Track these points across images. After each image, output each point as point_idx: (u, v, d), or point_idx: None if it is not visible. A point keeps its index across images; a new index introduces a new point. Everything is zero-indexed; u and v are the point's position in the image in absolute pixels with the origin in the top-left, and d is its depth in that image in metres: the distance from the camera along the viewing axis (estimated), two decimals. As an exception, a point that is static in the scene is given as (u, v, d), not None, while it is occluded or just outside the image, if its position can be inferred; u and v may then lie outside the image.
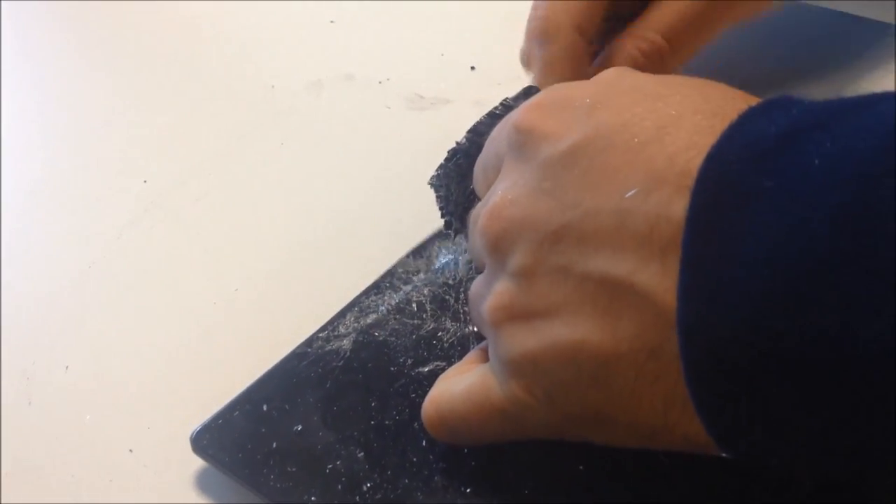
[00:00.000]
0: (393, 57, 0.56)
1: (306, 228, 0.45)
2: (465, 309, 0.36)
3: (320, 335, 0.36)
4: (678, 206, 0.24)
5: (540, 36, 0.41)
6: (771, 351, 0.21)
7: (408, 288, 0.38)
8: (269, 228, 0.45)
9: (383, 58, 0.55)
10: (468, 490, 0.30)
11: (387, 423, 0.33)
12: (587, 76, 0.38)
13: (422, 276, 0.38)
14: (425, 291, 0.37)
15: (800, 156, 0.22)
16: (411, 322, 0.36)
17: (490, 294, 0.29)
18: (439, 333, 0.36)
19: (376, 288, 0.38)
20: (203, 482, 0.34)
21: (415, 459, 0.31)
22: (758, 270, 0.21)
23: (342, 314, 0.37)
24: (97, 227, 0.47)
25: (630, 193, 0.25)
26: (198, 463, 0.34)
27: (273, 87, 0.55)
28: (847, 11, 0.53)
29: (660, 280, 0.24)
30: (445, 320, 0.36)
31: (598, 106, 0.27)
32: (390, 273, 0.39)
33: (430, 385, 0.32)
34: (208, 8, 0.63)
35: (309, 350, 0.36)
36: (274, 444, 0.33)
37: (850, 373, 0.20)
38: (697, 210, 0.23)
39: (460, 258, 0.39)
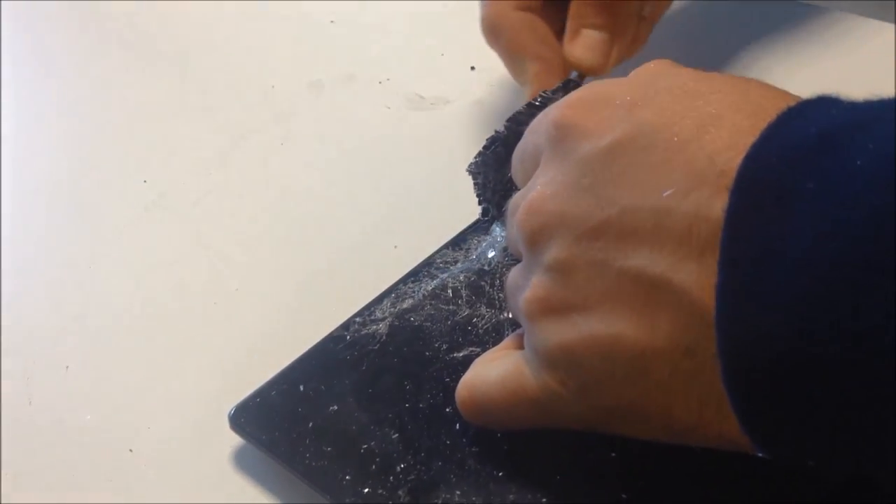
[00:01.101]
0: (393, 57, 0.56)
1: (305, 228, 0.45)
2: (501, 295, 0.37)
3: (357, 319, 0.37)
4: (717, 206, 0.24)
5: (488, 35, 0.44)
6: (810, 352, 0.21)
7: (444, 275, 0.38)
8: (269, 228, 0.45)
9: (383, 58, 0.55)
10: (500, 474, 0.31)
11: (421, 406, 0.33)
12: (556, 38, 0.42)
13: (459, 265, 0.39)
14: (461, 278, 0.38)
15: (840, 157, 0.22)
16: (447, 308, 0.37)
17: (527, 286, 0.29)
18: (474, 319, 0.36)
19: (414, 275, 0.39)
20: (240, 460, 0.35)
21: (448, 442, 0.32)
22: (799, 272, 0.21)
23: (379, 299, 0.38)
24: (97, 226, 0.47)
25: (668, 192, 0.25)
26: (235, 441, 0.34)
27: (273, 87, 0.55)
28: (847, 11, 0.53)
29: (697, 279, 0.24)
30: (481, 306, 0.37)
31: (639, 104, 0.27)
32: (428, 262, 0.39)
33: (465, 370, 0.32)
34: (208, 8, 0.63)
35: (345, 333, 0.36)
36: (310, 424, 0.33)
37: (891, 375, 0.20)
38: (737, 210, 0.23)
39: (497, 246, 0.39)
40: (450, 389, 0.33)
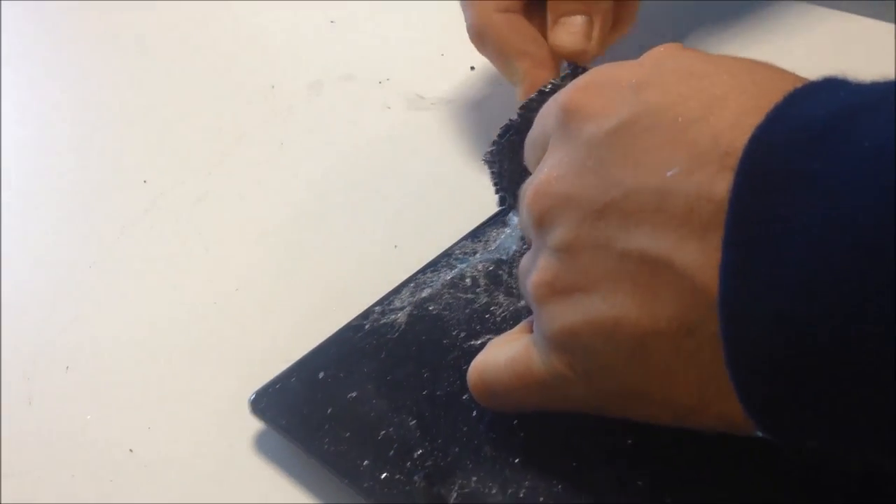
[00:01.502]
0: (393, 57, 0.56)
1: (305, 228, 0.45)
2: (518, 285, 0.37)
3: (376, 308, 0.37)
4: (721, 186, 0.24)
5: (475, 40, 0.45)
6: (813, 334, 0.21)
7: (463, 265, 0.39)
8: (268, 228, 0.45)
9: (383, 58, 0.55)
10: (516, 461, 0.31)
11: (438, 393, 0.34)
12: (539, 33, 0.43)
13: (478, 256, 0.39)
14: (479, 267, 0.38)
15: (848, 138, 0.22)
16: (465, 297, 0.37)
17: (534, 269, 0.29)
18: (492, 308, 0.36)
19: (433, 266, 0.39)
20: (261, 444, 0.35)
21: (465, 429, 0.32)
22: (804, 254, 0.21)
23: (398, 289, 0.38)
24: (97, 227, 0.47)
25: (672, 172, 0.25)
26: (255, 427, 0.35)
27: (273, 87, 0.55)
28: (847, 11, 0.53)
29: (699, 258, 0.24)
30: (498, 295, 0.37)
31: (645, 85, 0.27)
32: (447, 253, 0.40)
33: None
34: (208, 8, 0.63)
35: (364, 322, 0.37)
36: (329, 410, 0.33)
37: (889, 358, 0.20)
38: (742, 190, 0.23)
39: (515, 237, 0.39)
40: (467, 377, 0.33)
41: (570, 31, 0.42)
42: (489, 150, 0.38)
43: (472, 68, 0.53)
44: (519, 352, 0.30)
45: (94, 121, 0.55)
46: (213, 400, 0.37)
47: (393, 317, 0.37)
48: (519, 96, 0.42)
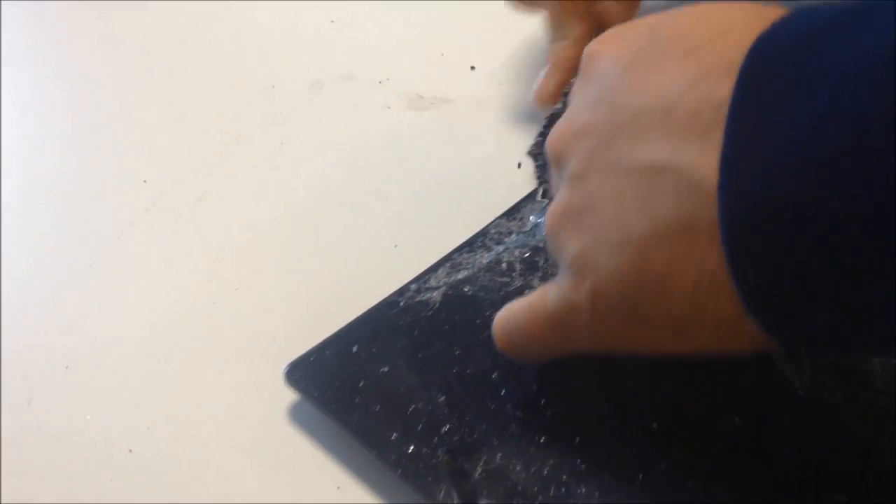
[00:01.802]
0: (393, 57, 0.56)
1: (305, 228, 0.45)
2: (554, 270, 0.37)
3: (412, 286, 0.38)
4: (723, 90, 0.24)
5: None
6: (812, 218, 0.22)
7: (500, 248, 0.39)
8: (268, 228, 0.45)
9: (383, 58, 0.55)
10: (542, 439, 0.32)
11: (468, 371, 0.34)
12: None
13: (514, 237, 0.40)
14: (516, 253, 0.39)
15: (848, 36, 0.22)
16: (500, 280, 0.38)
17: (550, 206, 0.30)
18: (526, 291, 0.37)
19: (469, 246, 0.40)
20: (295, 415, 0.36)
21: (492, 407, 0.33)
22: (804, 140, 0.22)
23: (434, 268, 0.39)
24: (97, 227, 0.47)
25: (678, 86, 0.26)
26: (291, 397, 0.36)
27: (273, 87, 0.55)
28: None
29: (699, 157, 0.25)
30: (534, 279, 0.38)
31: (658, 26, 0.28)
32: (483, 233, 0.40)
33: None
34: (208, 8, 0.63)
35: (399, 300, 0.37)
36: (361, 384, 0.34)
37: (887, 237, 0.21)
38: (743, 87, 0.24)
39: None
40: (497, 356, 0.34)
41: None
42: (534, 142, 0.39)
43: (473, 68, 0.53)
44: (536, 295, 0.31)
45: (94, 121, 0.55)
46: (213, 400, 0.37)
47: (428, 295, 0.37)
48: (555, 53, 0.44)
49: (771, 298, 0.24)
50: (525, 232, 0.40)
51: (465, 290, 0.37)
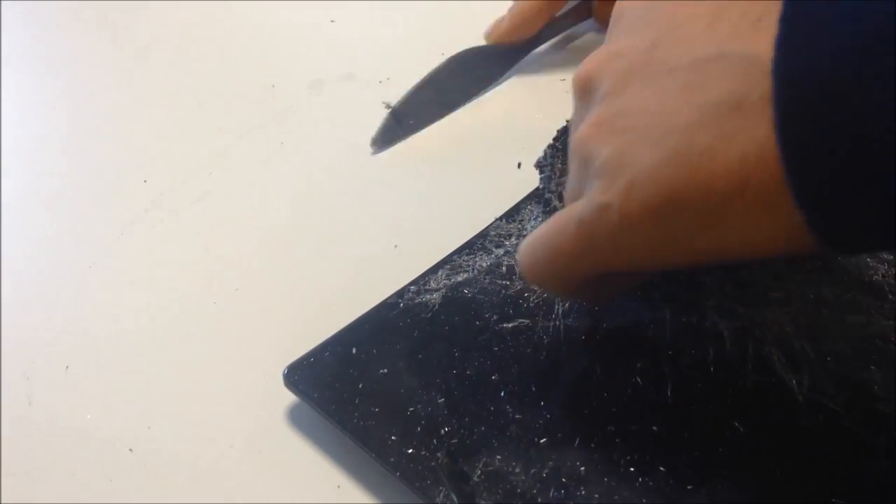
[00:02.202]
0: (393, 57, 0.56)
1: (305, 228, 0.45)
2: None
3: (411, 288, 0.38)
4: None
5: None
6: (867, 98, 0.22)
7: (499, 251, 0.39)
8: (268, 228, 0.45)
9: (383, 58, 0.55)
10: (541, 441, 0.31)
11: (468, 373, 0.34)
12: None
13: (514, 240, 0.39)
14: (517, 257, 0.38)
15: None
16: (500, 283, 0.38)
17: (577, 134, 0.29)
18: (525, 294, 0.37)
19: (469, 247, 0.39)
20: (294, 417, 0.36)
21: (492, 408, 0.33)
22: (859, 17, 0.22)
23: (434, 270, 0.39)
24: (97, 227, 0.47)
25: None
26: (289, 399, 0.36)
27: (273, 86, 0.55)
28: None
29: (752, 42, 0.24)
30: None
31: None
32: (483, 235, 0.40)
33: (513, 340, 0.35)
34: (208, 8, 0.63)
35: (399, 301, 0.37)
36: (360, 385, 0.34)
37: None
38: None
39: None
40: (497, 358, 0.34)
41: None
42: (542, 154, 0.38)
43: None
44: (562, 211, 0.30)
45: (94, 121, 0.55)
46: (213, 400, 0.37)
47: (428, 297, 0.37)
48: None
49: (819, 186, 0.23)
50: (525, 235, 0.39)
51: (465, 292, 0.37)
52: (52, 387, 0.39)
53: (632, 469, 0.30)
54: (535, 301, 0.36)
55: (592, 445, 0.31)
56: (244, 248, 0.44)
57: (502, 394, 0.33)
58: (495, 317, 0.36)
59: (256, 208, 0.47)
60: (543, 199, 0.38)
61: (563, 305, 0.36)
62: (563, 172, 0.38)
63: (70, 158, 0.52)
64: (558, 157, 0.38)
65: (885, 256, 0.35)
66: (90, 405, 0.38)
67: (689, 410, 0.32)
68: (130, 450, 0.36)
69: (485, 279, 0.38)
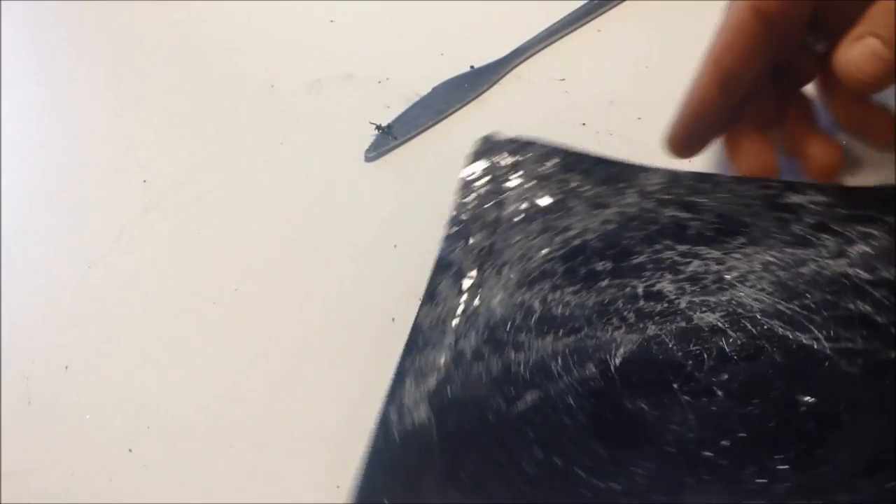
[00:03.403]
0: (393, 57, 0.55)
1: (304, 228, 0.45)
2: (522, 336, 0.35)
3: (392, 417, 0.34)
4: None
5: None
6: None
7: (451, 339, 0.36)
8: (269, 228, 0.45)
9: (383, 58, 0.55)
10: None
11: (525, 469, 0.31)
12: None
13: (456, 322, 0.36)
14: (472, 339, 0.35)
15: None
16: (476, 371, 0.34)
17: None
18: (512, 366, 0.34)
19: (414, 346, 0.36)
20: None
21: (582, 491, 0.30)
22: None
23: (400, 382, 0.35)
24: (97, 227, 0.47)
25: None
26: None
27: (273, 86, 0.55)
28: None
29: None
30: (510, 353, 0.34)
31: None
32: (417, 328, 0.36)
33: (540, 416, 0.32)
34: (208, 8, 0.63)
35: (392, 433, 0.33)
36: None
37: None
38: None
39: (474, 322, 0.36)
40: (542, 441, 0.31)
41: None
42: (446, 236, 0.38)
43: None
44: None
45: (94, 120, 0.55)
46: (212, 399, 0.37)
47: (415, 416, 0.34)
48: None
49: None
50: (468, 315, 0.36)
51: (448, 393, 0.34)
52: (51, 387, 0.39)
53: None
54: (529, 368, 0.34)
55: None
56: (244, 248, 0.44)
57: (581, 473, 0.31)
58: (503, 404, 0.33)
59: (256, 208, 0.47)
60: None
61: (558, 365, 0.34)
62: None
63: (69, 158, 0.52)
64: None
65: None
66: (89, 405, 0.38)
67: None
68: (130, 450, 0.36)
69: (457, 373, 0.34)
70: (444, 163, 0.48)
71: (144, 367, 0.39)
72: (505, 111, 0.50)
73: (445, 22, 0.58)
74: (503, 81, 0.52)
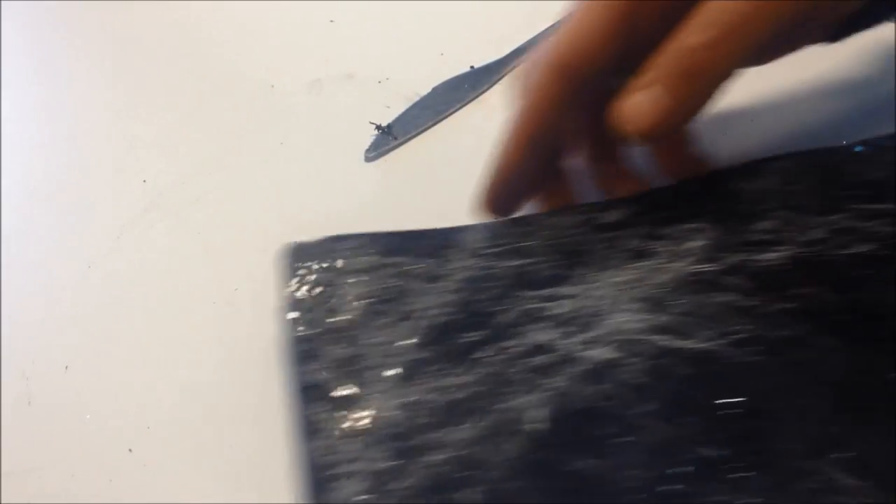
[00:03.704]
0: (393, 57, 0.55)
1: (304, 228, 0.45)
2: (433, 436, 0.32)
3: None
4: None
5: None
6: None
7: (355, 466, 0.32)
8: (269, 228, 0.45)
9: (383, 58, 0.55)
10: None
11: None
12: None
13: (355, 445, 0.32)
14: (379, 454, 0.32)
15: None
16: (401, 486, 0.31)
17: None
18: (437, 469, 0.31)
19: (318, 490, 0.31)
20: None
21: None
22: None
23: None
24: (97, 227, 0.47)
25: None
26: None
27: (273, 86, 0.55)
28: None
29: None
30: (428, 455, 0.31)
31: None
32: (314, 468, 0.32)
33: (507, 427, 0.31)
34: (208, 8, 0.63)
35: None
36: None
37: None
38: None
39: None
40: (525, 463, 0.30)
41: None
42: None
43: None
44: None
45: (94, 120, 0.55)
46: (213, 399, 0.37)
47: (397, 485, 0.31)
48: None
49: None
50: (361, 432, 0.32)
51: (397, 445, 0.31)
52: (51, 387, 0.39)
53: None
54: (455, 466, 0.31)
55: None
56: (244, 249, 0.44)
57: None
58: (453, 431, 0.31)
59: (256, 208, 0.47)
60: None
61: (484, 451, 0.31)
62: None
63: (69, 158, 0.52)
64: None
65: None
66: (89, 405, 0.38)
67: None
68: (130, 450, 0.36)
69: (382, 498, 0.31)
70: (444, 163, 0.48)
71: (144, 367, 0.39)
72: (505, 111, 0.50)
73: (445, 22, 0.58)
74: (503, 81, 0.52)
